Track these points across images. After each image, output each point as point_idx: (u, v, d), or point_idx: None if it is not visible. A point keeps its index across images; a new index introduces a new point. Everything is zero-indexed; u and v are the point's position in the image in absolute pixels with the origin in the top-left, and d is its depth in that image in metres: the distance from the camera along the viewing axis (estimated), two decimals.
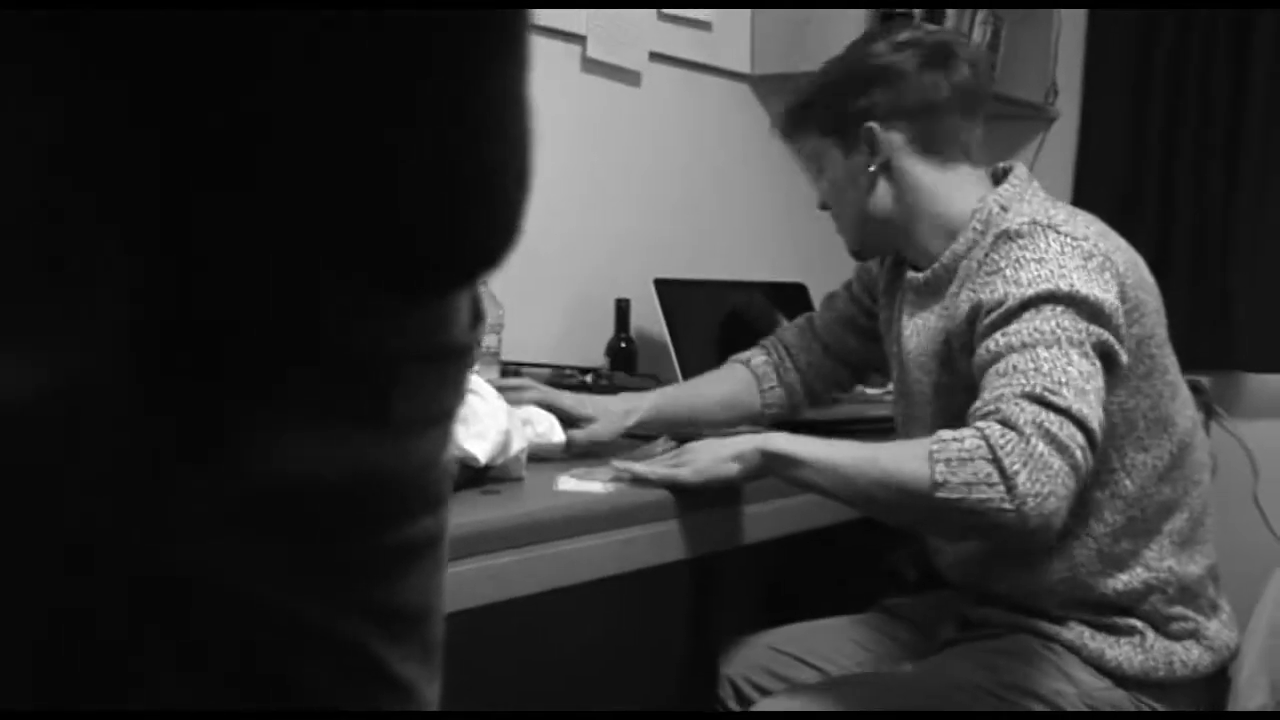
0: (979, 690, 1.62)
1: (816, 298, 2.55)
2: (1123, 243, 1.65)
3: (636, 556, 1.54)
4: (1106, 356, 1.50)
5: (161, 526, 0.35)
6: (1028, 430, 1.38)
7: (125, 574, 0.35)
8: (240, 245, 0.36)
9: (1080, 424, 1.40)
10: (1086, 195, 3.07)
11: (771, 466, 1.54)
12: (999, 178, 1.73)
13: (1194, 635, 1.68)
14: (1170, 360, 1.68)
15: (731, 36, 2.72)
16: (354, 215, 0.37)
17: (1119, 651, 1.64)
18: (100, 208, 0.33)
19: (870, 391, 2.39)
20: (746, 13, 2.74)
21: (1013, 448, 1.36)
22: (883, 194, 1.71)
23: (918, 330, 1.73)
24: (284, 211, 0.36)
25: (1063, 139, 3.16)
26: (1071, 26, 3.11)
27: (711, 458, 1.57)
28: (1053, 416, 1.39)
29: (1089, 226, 1.60)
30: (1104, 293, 1.51)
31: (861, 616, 1.95)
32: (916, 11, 2.75)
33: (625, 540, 1.51)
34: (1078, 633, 1.65)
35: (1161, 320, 1.67)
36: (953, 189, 1.70)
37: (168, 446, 0.35)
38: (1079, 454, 1.38)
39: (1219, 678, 1.70)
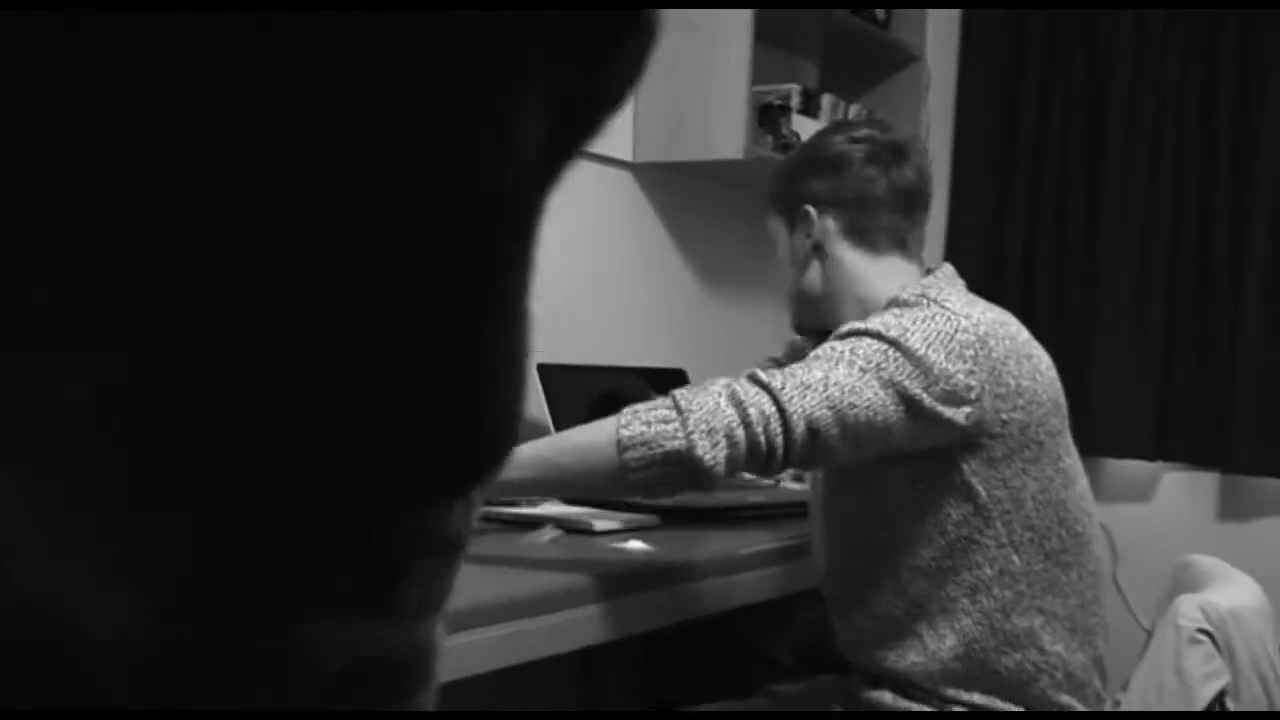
0: None
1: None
2: (1020, 336, 1.70)
3: (524, 650, 1.54)
4: (911, 403, 1.55)
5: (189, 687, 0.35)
6: (715, 389, 1.49)
7: None
8: (289, 476, 0.36)
9: (774, 398, 1.48)
10: None
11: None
12: (929, 273, 1.79)
13: None
14: (1065, 451, 1.73)
15: (613, 125, 2.75)
16: (396, 439, 0.37)
17: None
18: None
19: (794, 486, 2.41)
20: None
21: (694, 395, 1.47)
22: (814, 274, 1.78)
23: None
24: (335, 438, 0.36)
25: (931, 227, 3.24)
26: (940, 121, 3.22)
27: None
28: (747, 385, 1.49)
29: (985, 314, 1.66)
30: (945, 361, 1.57)
31: (747, 703, 1.96)
32: (793, 104, 2.83)
33: (513, 633, 1.50)
34: None
35: (1058, 413, 1.72)
36: (879, 277, 1.76)
37: (213, 638, 0.35)
38: (754, 413, 1.46)
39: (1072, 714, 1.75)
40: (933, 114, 3.21)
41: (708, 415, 1.46)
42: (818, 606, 1.90)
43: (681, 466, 1.47)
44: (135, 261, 0.32)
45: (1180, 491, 3.00)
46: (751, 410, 1.46)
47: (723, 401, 1.46)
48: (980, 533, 1.66)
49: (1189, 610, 1.71)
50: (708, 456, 1.45)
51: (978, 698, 1.69)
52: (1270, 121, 2.81)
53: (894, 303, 1.66)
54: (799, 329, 1.91)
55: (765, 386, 1.48)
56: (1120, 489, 3.06)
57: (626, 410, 1.50)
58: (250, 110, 0.32)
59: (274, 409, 0.35)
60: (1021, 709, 1.70)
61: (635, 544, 1.65)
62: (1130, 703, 1.76)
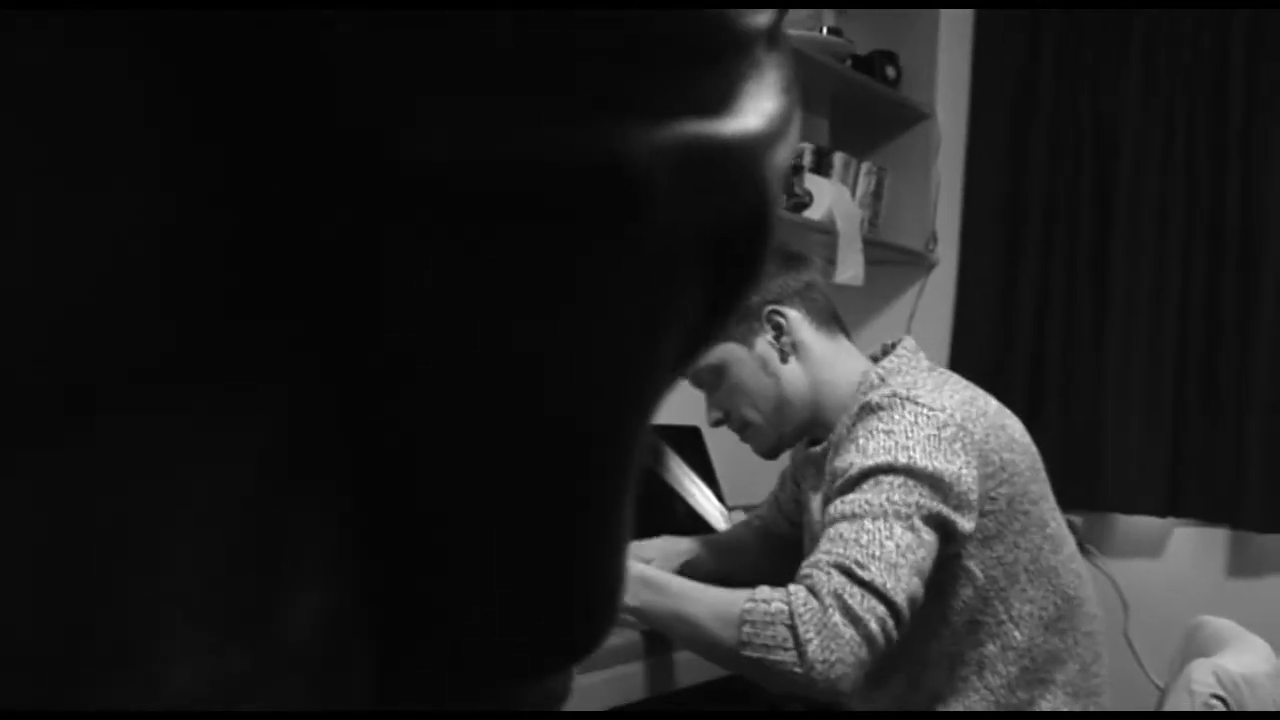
0: None
1: (709, 439, 2.60)
2: (990, 408, 1.73)
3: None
4: (942, 526, 1.58)
5: None
6: (828, 600, 1.48)
7: None
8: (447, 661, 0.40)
9: (882, 597, 1.49)
10: (964, 339, 3.19)
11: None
12: (887, 350, 1.82)
13: None
14: (1050, 514, 1.76)
15: None
16: (542, 625, 0.41)
17: None
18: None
19: None
20: None
21: (810, 616, 1.47)
22: (794, 374, 1.79)
23: (818, 501, 1.80)
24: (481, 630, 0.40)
25: (942, 285, 3.29)
26: (950, 177, 3.26)
27: None
28: (855, 589, 1.49)
29: (953, 397, 1.68)
30: (946, 464, 1.59)
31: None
32: (805, 163, 2.86)
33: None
34: None
35: (1037, 478, 1.75)
36: (840, 360, 1.80)
37: None
38: (873, 624, 1.48)
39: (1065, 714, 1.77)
40: (942, 172, 3.25)
41: (827, 645, 1.47)
42: None
43: (800, 689, 1.50)
44: (348, 509, 0.36)
45: (1190, 547, 3.02)
46: (872, 624, 1.48)
47: (838, 620, 1.48)
48: (980, 613, 1.68)
49: (1203, 676, 1.72)
50: (836, 687, 1.48)
51: None
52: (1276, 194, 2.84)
53: (867, 409, 1.67)
54: (777, 450, 1.90)
55: (869, 585, 1.49)
56: (1131, 545, 3.07)
57: (745, 618, 1.51)
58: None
59: (436, 595, 0.38)
60: None
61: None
62: None
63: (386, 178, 0.32)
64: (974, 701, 1.70)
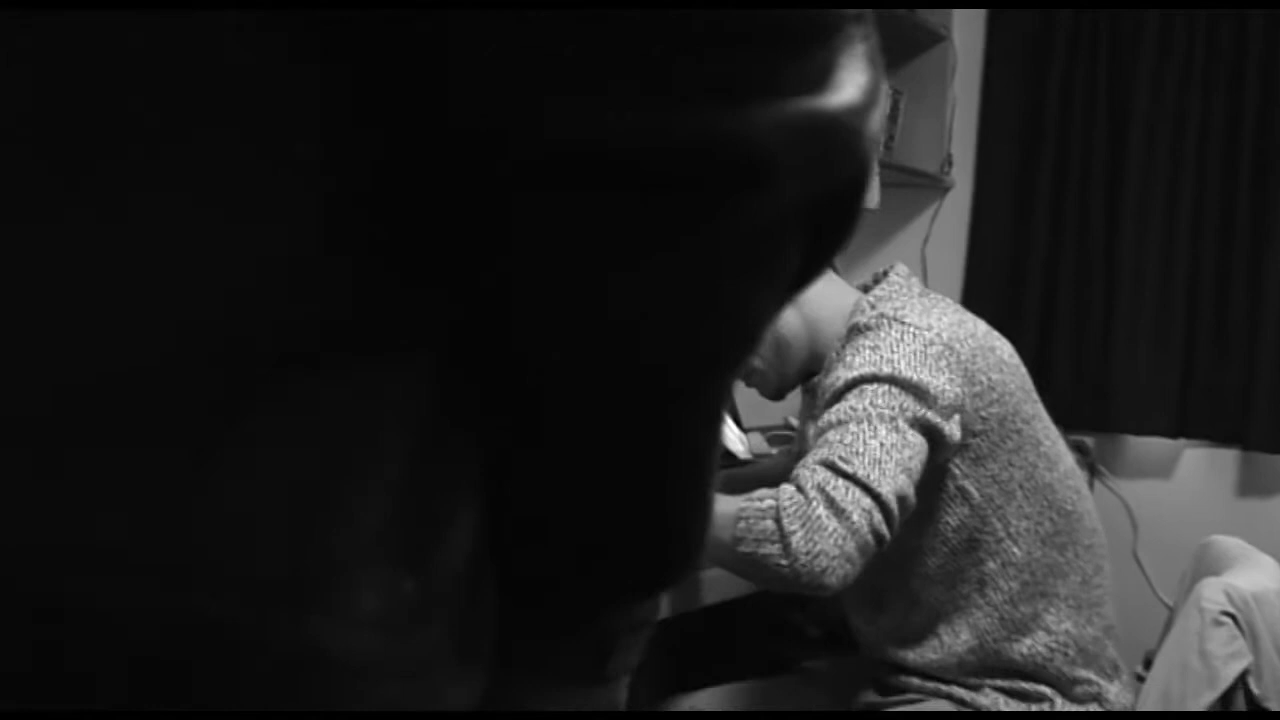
0: None
1: None
2: (979, 330, 1.75)
3: None
4: (928, 431, 1.60)
5: None
6: (811, 494, 1.50)
7: None
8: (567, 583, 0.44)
9: (866, 488, 1.50)
10: (978, 261, 3.20)
11: None
12: (879, 279, 1.84)
13: (1096, 699, 1.78)
14: (1043, 433, 1.78)
15: None
16: (640, 553, 0.45)
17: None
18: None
19: None
20: None
21: (795, 509, 1.49)
22: (790, 317, 1.81)
23: (811, 429, 1.83)
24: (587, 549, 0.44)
25: (957, 207, 3.29)
26: (966, 100, 3.25)
27: None
28: (838, 481, 1.50)
29: (940, 319, 1.70)
30: (930, 376, 1.61)
31: (779, 680, 2.01)
32: None
33: None
34: (992, 699, 1.74)
35: (1028, 398, 1.77)
36: (831, 296, 1.82)
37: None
38: (857, 516, 1.49)
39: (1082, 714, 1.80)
40: (958, 95, 3.24)
41: (811, 536, 1.48)
42: None
43: (786, 583, 1.51)
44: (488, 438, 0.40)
45: (1200, 468, 3.05)
46: (855, 515, 1.49)
47: (822, 512, 1.49)
48: (979, 531, 1.71)
49: (1213, 594, 1.76)
50: (821, 580, 1.48)
51: (1000, 681, 1.75)
52: None
53: (855, 330, 1.70)
54: (782, 392, 1.91)
55: (852, 477, 1.51)
56: (1141, 466, 3.10)
57: (740, 516, 1.53)
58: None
59: (551, 531, 0.42)
60: (1046, 687, 1.75)
61: None
62: (1154, 681, 1.81)
63: (531, 157, 0.35)
64: (977, 618, 1.73)
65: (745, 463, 2.22)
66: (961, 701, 1.75)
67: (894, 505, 1.52)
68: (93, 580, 0.32)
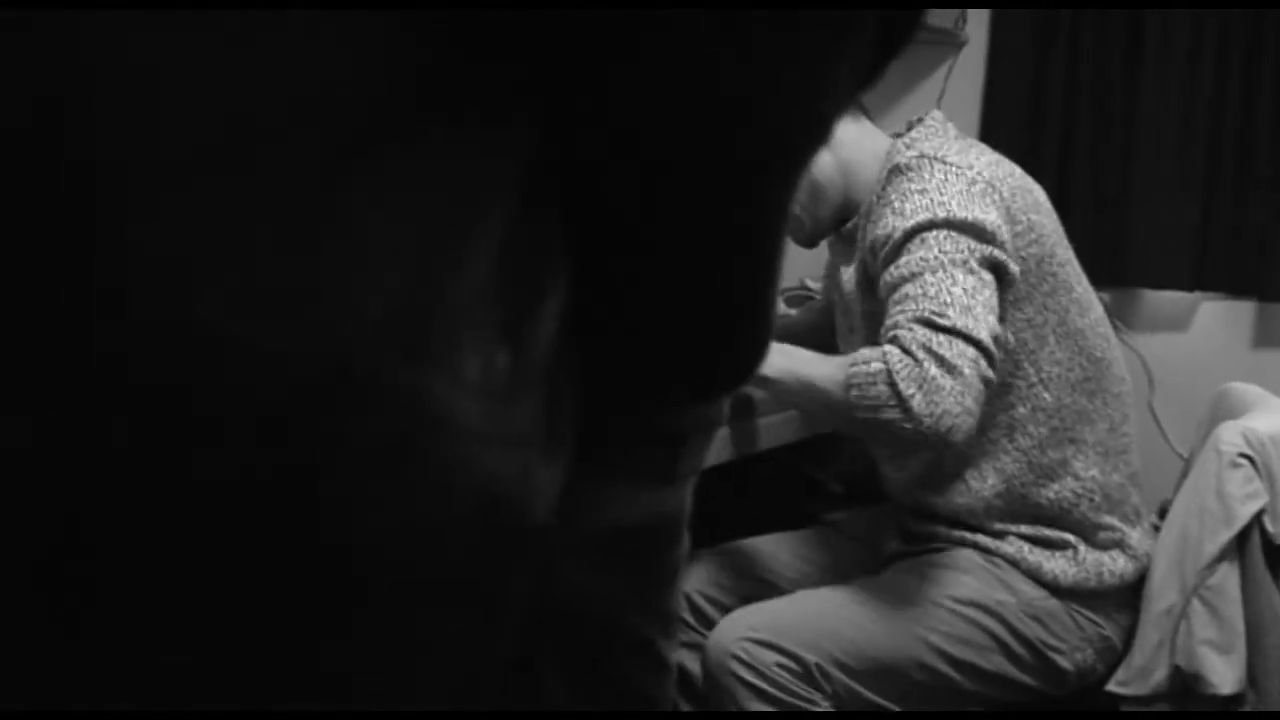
0: (929, 603, 1.74)
1: None
2: (1016, 171, 1.77)
3: None
4: (995, 268, 1.62)
5: (542, 565, 0.43)
6: (920, 354, 1.52)
7: (524, 604, 0.42)
8: (628, 374, 0.45)
9: (968, 338, 1.53)
10: (994, 119, 3.18)
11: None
12: (912, 125, 1.84)
13: (1119, 545, 1.82)
14: (1075, 279, 1.80)
15: None
16: (696, 342, 0.46)
17: (1055, 564, 1.77)
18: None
19: None
20: None
21: (908, 372, 1.51)
22: (824, 158, 1.80)
23: (849, 273, 1.84)
24: (648, 340, 0.45)
25: (972, 63, 3.26)
26: None
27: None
28: (941, 338, 1.52)
29: (980, 158, 1.71)
30: (983, 214, 1.63)
31: (804, 532, 2.06)
32: None
33: None
34: (1017, 547, 1.78)
35: (1061, 241, 1.79)
36: (865, 140, 1.82)
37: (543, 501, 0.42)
38: (968, 368, 1.52)
39: (1140, 583, 1.85)
40: None
41: (931, 398, 1.51)
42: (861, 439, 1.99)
43: (913, 443, 1.57)
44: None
45: (1217, 321, 3.06)
46: (966, 369, 1.52)
47: (935, 371, 1.51)
48: (1011, 375, 1.73)
49: (1231, 436, 1.79)
50: (949, 438, 1.53)
51: (1024, 528, 1.79)
52: None
53: (896, 170, 1.70)
54: (814, 239, 1.92)
55: (952, 330, 1.53)
56: (1158, 319, 3.12)
57: (850, 381, 1.56)
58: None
59: (631, 317, 0.44)
60: (1070, 534, 1.79)
61: None
62: (1172, 522, 1.85)
63: None
64: (1006, 463, 1.77)
65: None
66: (986, 550, 1.79)
67: (993, 347, 1.56)
68: (224, 306, 0.33)
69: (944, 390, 1.50)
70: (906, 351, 1.52)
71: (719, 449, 1.81)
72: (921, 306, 1.55)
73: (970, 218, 1.61)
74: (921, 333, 1.53)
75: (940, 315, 1.54)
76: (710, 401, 0.49)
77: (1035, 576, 1.77)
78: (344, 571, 0.35)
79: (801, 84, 0.41)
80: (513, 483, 0.38)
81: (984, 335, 1.54)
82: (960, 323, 1.53)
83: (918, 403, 1.50)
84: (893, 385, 1.51)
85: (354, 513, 0.35)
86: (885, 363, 1.52)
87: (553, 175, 0.39)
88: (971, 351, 1.53)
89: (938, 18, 3.15)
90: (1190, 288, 3.01)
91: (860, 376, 1.54)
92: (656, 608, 0.49)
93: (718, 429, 0.52)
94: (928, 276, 1.57)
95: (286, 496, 0.34)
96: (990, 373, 1.55)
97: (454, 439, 0.36)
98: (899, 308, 1.58)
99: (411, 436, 0.35)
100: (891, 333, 1.56)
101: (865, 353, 1.57)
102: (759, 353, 0.47)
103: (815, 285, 2.70)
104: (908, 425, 1.51)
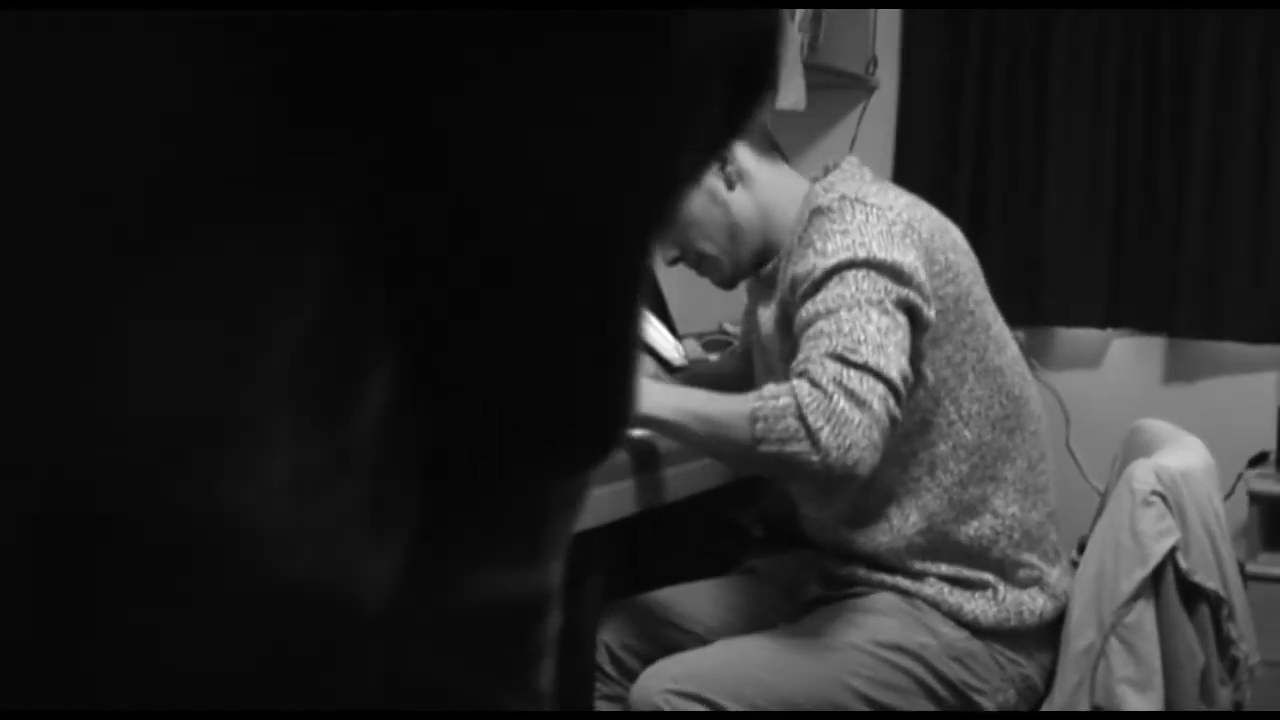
0: (850, 648, 1.74)
1: (657, 271, 2.63)
2: (933, 213, 1.80)
3: None
4: (910, 310, 1.64)
5: (395, 641, 0.41)
6: (830, 388, 1.52)
7: (367, 696, 0.40)
8: (481, 449, 0.43)
9: (878, 375, 1.54)
10: (906, 163, 3.22)
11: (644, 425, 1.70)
12: (829, 170, 1.85)
13: (1038, 583, 1.83)
14: (993, 317, 1.82)
15: None
16: (547, 423, 0.44)
17: (975, 605, 1.77)
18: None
19: None
20: None
21: (817, 405, 1.52)
22: (742, 201, 1.82)
23: (767, 315, 1.84)
24: (500, 414, 0.43)
25: (883, 108, 3.30)
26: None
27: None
28: (852, 373, 1.54)
29: (898, 199, 1.74)
30: (902, 255, 1.64)
31: (724, 579, 2.05)
32: None
33: None
34: (937, 588, 1.78)
35: (979, 280, 1.82)
36: (784, 183, 1.84)
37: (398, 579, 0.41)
38: (878, 404, 1.53)
39: (1059, 622, 1.86)
40: None
41: (839, 430, 1.51)
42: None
43: (819, 479, 1.57)
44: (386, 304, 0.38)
45: (1128, 357, 3.11)
46: (875, 403, 1.52)
47: (844, 405, 1.52)
48: (932, 413, 1.74)
49: (1143, 474, 1.81)
50: (854, 472, 1.53)
51: (944, 568, 1.80)
52: None
53: (817, 212, 1.71)
54: (734, 280, 1.92)
55: (864, 367, 1.54)
56: (1071, 356, 3.16)
57: (756, 415, 1.55)
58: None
59: (472, 398, 0.42)
60: (989, 574, 1.80)
61: None
62: (1088, 560, 1.86)
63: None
64: (927, 500, 1.77)
65: (681, 369, 2.24)
66: (905, 592, 1.79)
67: (901, 387, 1.57)
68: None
69: (852, 423, 1.51)
70: (816, 385, 1.53)
71: (622, 502, 1.79)
72: (835, 342, 1.56)
73: (889, 259, 1.62)
74: (833, 367, 1.54)
75: (852, 351, 1.55)
76: (571, 477, 0.48)
77: (956, 617, 1.77)
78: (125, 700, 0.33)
79: (639, 162, 0.39)
80: (332, 578, 0.36)
81: (894, 374, 1.55)
82: (872, 360, 1.54)
83: (825, 435, 1.50)
84: (801, 418, 1.51)
85: (130, 640, 0.33)
86: (794, 396, 1.53)
87: (377, 259, 0.37)
88: (881, 388, 1.54)
89: (848, 62, 3.18)
90: (1102, 325, 3.06)
91: (767, 410, 1.54)
92: (525, 687, 0.48)
93: (583, 503, 0.50)
94: (843, 314, 1.59)
95: (50, 640, 0.32)
96: (898, 411, 1.56)
97: (254, 544, 0.34)
98: (812, 343, 1.59)
99: (205, 547, 0.34)
100: (802, 366, 1.57)
101: (772, 388, 1.58)
102: (620, 427, 0.45)
103: (734, 329, 2.71)
104: (814, 458, 1.51)
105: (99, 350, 0.32)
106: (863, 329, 1.57)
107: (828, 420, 1.51)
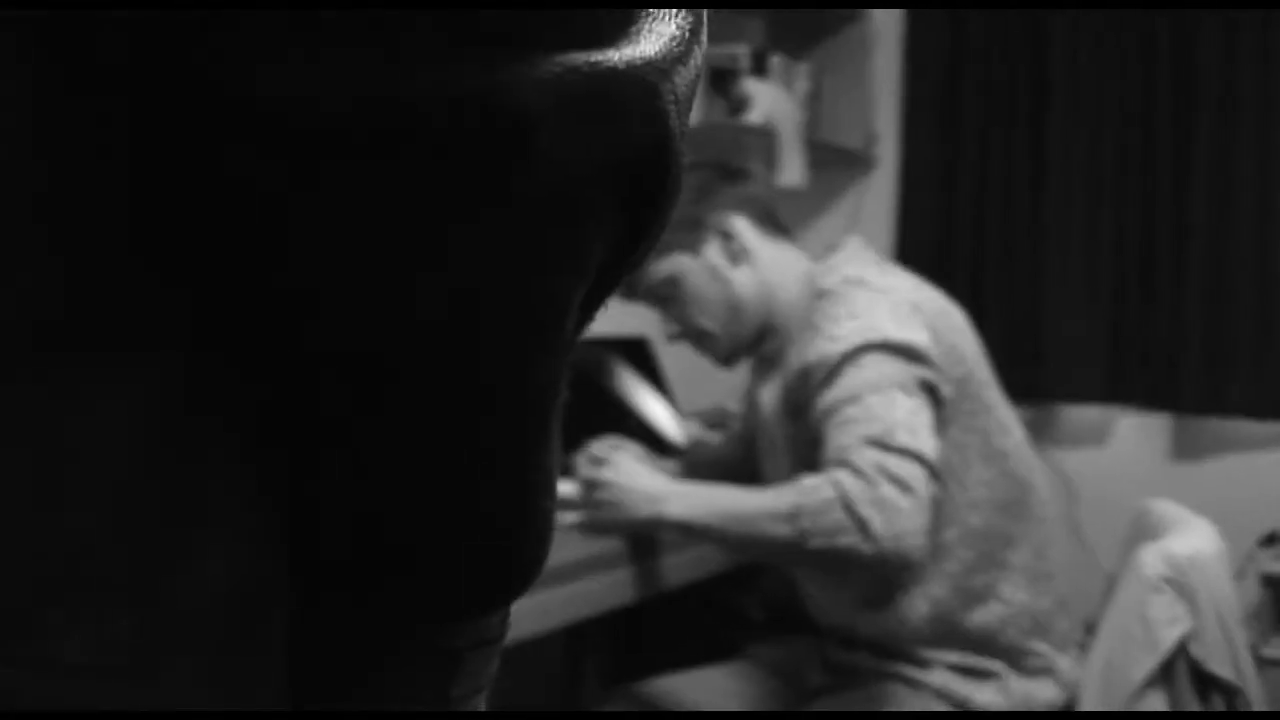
0: None
1: (658, 349, 2.61)
2: (936, 295, 1.78)
3: (517, 627, 1.58)
4: (930, 391, 1.62)
5: None
6: (874, 475, 1.50)
7: None
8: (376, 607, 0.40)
9: (917, 458, 1.53)
10: (907, 239, 3.21)
11: (667, 531, 1.67)
12: (832, 251, 1.84)
13: (1048, 672, 1.78)
14: (996, 399, 1.80)
15: None
16: (473, 571, 0.40)
17: (984, 696, 1.73)
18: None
19: None
20: None
21: (863, 494, 1.49)
22: (743, 279, 1.80)
23: (769, 395, 1.82)
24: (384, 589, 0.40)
25: (884, 184, 3.29)
26: (888, 77, 3.25)
27: (623, 519, 1.67)
28: (892, 458, 1.51)
29: (903, 282, 1.74)
30: (914, 335, 1.63)
31: (728, 666, 2.00)
32: (743, 66, 2.84)
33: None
34: (944, 678, 1.74)
35: (981, 363, 1.79)
36: (787, 261, 1.82)
37: None
38: (922, 488, 1.51)
39: (1069, 713, 1.81)
40: (880, 71, 3.24)
41: (890, 519, 1.49)
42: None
43: (873, 570, 1.53)
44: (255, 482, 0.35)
45: (1134, 434, 3.07)
46: (919, 487, 1.52)
47: (891, 492, 1.50)
48: (939, 499, 1.71)
49: (1151, 560, 1.77)
50: (909, 559, 1.51)
51: (952, 656, 1.75)
52: (1207, 63, 2.85)
53: (822, 295, 1.71)
54: (733, 358, 1.89)
55: (903, 451, 1.53)
56: (1076, 434, 3.12)
57: (799, 511, 1.52)
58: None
59: (364, 548, 0.38)
60: (997, 662, 1.75)
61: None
62: (1098, 649, 1.82)
63: (246, 120, 0.31)
64: (933, 588, 1.73)
65: (681, 450, 2.21)
66: (911, 681, 1.75)
67: (937, 467, 1.56)
68: None
69: (902, 511, 1.49)
70: (859, 474, 1.51)
71: (621, 590, 1.76)
72: (868, 429, 1.54)
73: (903, 340, 1.62)
74: (872, 454, 1.52)
75: (889, 436, 1.53)
76: (484, 617, 0.44)
77: (963, 708, 1.72)
78: None
79: (504, 288, 0.35)
80: None
81: (930, 455, 1.55)
82: (909, 443, 1.53)
83: (878, 525, 1.48)
84: (849, 509, 1.49)
85: None
86: (837, 489, 1.50)
87: (236, 404, 0.34)
88: (921, 471, 1.53)
89: (849, 140, 3.18)
90: (1106, 401, 3.02)
91: (810, 505, 1.51)
92: None
93: (501, 641, 0.47)
94: (870, 399, 1.57)
95: None
96: (937, 492, 1.54)
97: None
98: (843, 431, 1.56)
99: None
100: (840, 455, 1.54)
101: (811, 481, 1.54)
102: (534, 564, 0.42)
103: (733, 408, 2.67)
104: (866, 549, 1.48)
105: None
106: (892, 413, 1.55)
107: (878, 509, 1.48)
